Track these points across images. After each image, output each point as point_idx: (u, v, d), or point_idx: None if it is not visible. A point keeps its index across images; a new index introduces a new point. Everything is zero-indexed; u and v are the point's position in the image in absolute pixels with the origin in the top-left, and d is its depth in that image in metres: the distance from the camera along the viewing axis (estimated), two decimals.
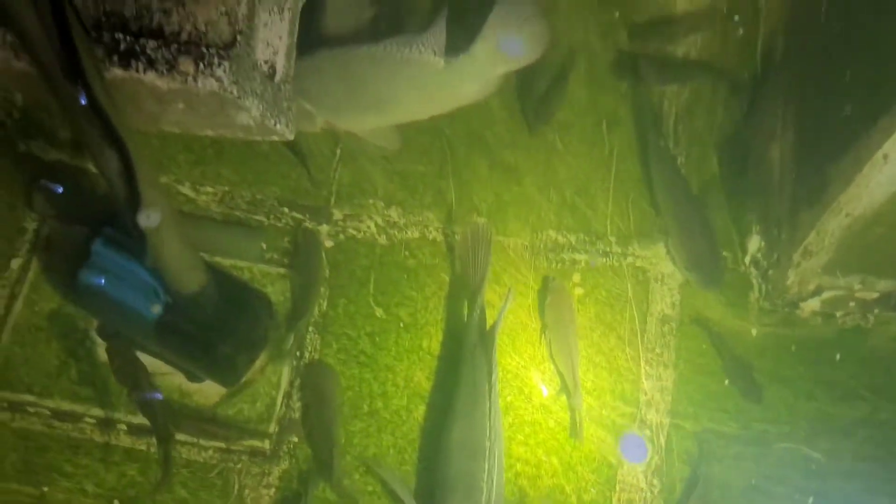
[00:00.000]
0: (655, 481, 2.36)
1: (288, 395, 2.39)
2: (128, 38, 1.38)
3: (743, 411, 2.41)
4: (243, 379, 2.32)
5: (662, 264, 2.59)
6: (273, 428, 2.32)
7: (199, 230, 2.49)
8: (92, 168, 2.39)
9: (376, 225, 2.60)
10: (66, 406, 2.32)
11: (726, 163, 2.68)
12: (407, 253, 2.58)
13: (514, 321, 2.48)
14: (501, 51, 2.25)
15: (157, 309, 2.04)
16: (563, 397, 2.39)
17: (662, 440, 2.38)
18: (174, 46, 1.38)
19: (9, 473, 2.25)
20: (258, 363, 2.37)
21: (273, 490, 2.28)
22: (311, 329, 2.46)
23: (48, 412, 2.31)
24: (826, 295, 2.44)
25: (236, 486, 2.28)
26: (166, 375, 2.33)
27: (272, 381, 2.40)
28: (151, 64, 1.37)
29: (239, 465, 2.30)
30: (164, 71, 1.36)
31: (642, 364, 2.45)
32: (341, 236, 2.58)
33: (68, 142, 2.46)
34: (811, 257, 2.35)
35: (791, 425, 2.41)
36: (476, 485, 2.10)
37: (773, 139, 2.64)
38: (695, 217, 2.54)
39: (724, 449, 2.39)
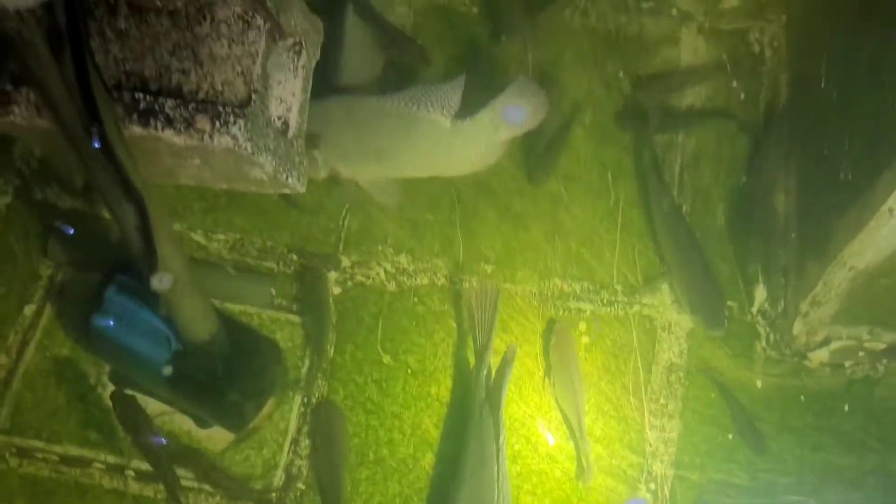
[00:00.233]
0: None
1: (295, 442, 2.40)
2: (147, 97, 1.42)
3: (751, 462, 2.40)
4: (251, 425, 2.33)
5: (669, 313, 2.60)
6: (280, 477, 2.32)
7: (210, 277, 2.52)
8: (106, 216, 2.44)
9: (385, 272, 2.63)
10: (75, 451, 2.33)
11: (732, 213, 2.70)
12: (416, 299, 2.60)
13: (521, 369, 2.49)
14: (503, 117, 2.30)
15: (168, 370, 2.08)
16: (570, 447, 2.39)
17: (667, 491, 2.37)
18: (192, 105, 1.42)
19: None
20: (266, 409, 2.38)
21: None
22: (318, 375, 2.47)
23: (56, 457, 2.32)
24: (834, 345, 2.44)
25: None
26: (175, 420, 2.34)
27: (280, 428, 2.40)
28: (169, 122, 1.41)
29: None
30: (182, 129, 1.41)
31: (646, 414, 2.45)
32: (349, 283, 2.61)
33: (84, 189, 2.51)
34: (818, 308, 2.36)
35: (799, 476, 2.40)
36: None
37: (776, 189, 2.67)
38: (698, 262, 2.56)
39: (731, 500, 2.37)
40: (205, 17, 1.51)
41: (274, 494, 2.31)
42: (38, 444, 2.32)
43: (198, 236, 2.62)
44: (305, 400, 2.44)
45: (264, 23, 1.52)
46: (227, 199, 2.60)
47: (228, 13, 1.52)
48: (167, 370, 2.02)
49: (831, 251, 2.15)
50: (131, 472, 2.31)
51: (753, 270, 2.64)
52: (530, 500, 2.35)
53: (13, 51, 1.18)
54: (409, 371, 2.49)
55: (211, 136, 1.42)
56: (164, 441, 2.21)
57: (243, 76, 1.48)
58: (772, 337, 2.56)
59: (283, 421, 2.41)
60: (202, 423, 2.33)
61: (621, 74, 2.87)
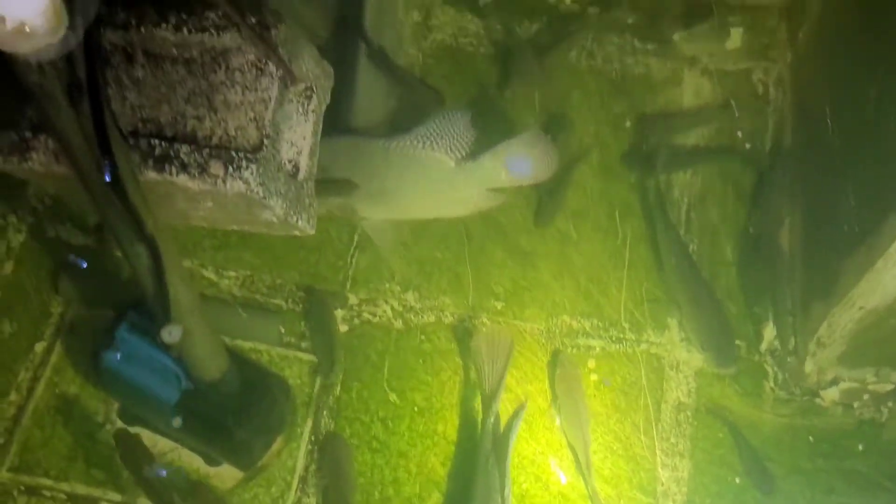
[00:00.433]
0: None
1: (303, 480, 2.39)
2: (163, 143, 1.45)
3: None
4: (260, 463, 2.34)
5: (677, 351, 2.60)
6: None
7: (220, 314, 2.54)
8: (117, 253, 2.46)
9: (392, 309, 2.64)
10: (83, 490, 2.34)
11: (738, 251, 2.72)
12: (423, 337, 2.61)
13: (532, 407, 2.49)
14: (509, 166, 2.33)
15: (178, 421, 2.09)
16: (581, 486, 2.37)
17: None
18: (206, 151, 1.45)
19: None
20: (274, 447, 2.38)
21: None
22: (324, 414, 2.47)
23: (64, 496, 2.33)
24: (843, 385, 2.43)
25: None
26: (184, 458, 2.34)
27: (288, 466, 2.40)
28: (184, 167, 1.44)
29: None
30: (196, 174, 1.43)
31: (658, 453, 2.43)
32: (356, 321, 2.62)
33: (96, 228, 2.54)
34: (824, 348, 2.36)
35: None
36: None
37: (782, 227, 2.68)
38: (706, 299, 2.57)
39: None
40: (220, 65, 1.54)
41: None
42: (47, 482, 2.33)
43: (209, 273, 2.64)
44: (313, 438, 2.43)
45: (277, 70, 1.55)
46: (238, 236, 2.63)
47: (243, 61, 1.55)
48: (177, 421, 2.03)
49: (837, 292, 2.15)
50: None
51: (761, 309, 2.64)
52: None
53: (33, 100, 1.21)
54: (416, 409, 2.49)
55: (224, 181, 1.44)
56: (170, 478, 2.21)
57: (256, 122, 1.51)
58: (780, 376, 2.55)
59: (291, 459, 2.41)
60: (211, 461, 2.33)
61: (627, 114, 2.89)
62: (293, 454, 2.41)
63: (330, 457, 2.39)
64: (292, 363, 2.55)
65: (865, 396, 2.43)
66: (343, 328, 2.60)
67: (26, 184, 2.55)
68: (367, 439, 2.46)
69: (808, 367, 2.47)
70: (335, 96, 1.79)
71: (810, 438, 2.47)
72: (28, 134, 1.49)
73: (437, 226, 2.68)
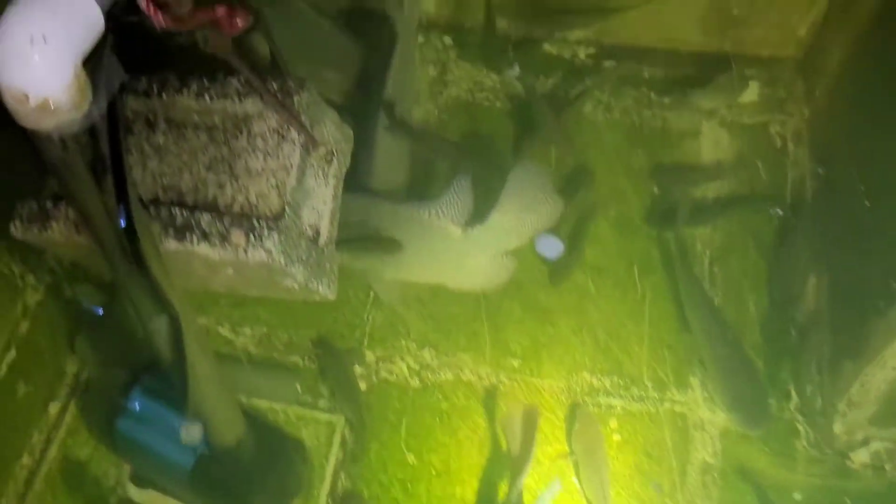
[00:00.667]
0: None
1: None
2: (184, 212, 1.44)
3: None
4: None
5: (701, 410, 2.54)
6: None
7: (236, 373, 2.51)
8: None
9: (409, 367, 2.60)
10: None
11: (763, 306, 2.67)
12: (440, 396, 2.56)
13: (550, 467, 2.43)
14: (515, 225, 2.32)
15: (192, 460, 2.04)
16: None
17: None
18: (227, 219, 1.44)
19: None
20: None
21: None
22: (342, 476, 2.42)
23: None
24: (874, 446, 2.36)
25: None
26: None
27: None
28: (205, 237, 1.42)
29: None
30: (217, 243, 1.42)
31: None
32: (374, 378, 2.58)
33: (112, 287, 2.52)
34: (856, 409, 2.29)
35: None
36: None
37: (806, 283, 2.64)
38: (735, 356, 2.51)
39: None
40: (241, 132, 1.54)
41: None
42: None
43: (225, 331, 2.62)
44: (331, 500, 2.38)
45: (299, 136, 1.54)
46: None
47: (264, 127, 1.55)
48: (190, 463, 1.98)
49: (868, 351, 2.10)
50: None
51: (789, 366, 2.58)
52: None
53: (55, 173, 1.20)
54: (434, 471, 2.44)
55: (245, 250, 1.43)
56: None
57: (277, 189, 1.49)
58: (811, 435, 2.48)
59: None
60: None
61: (646, 167, 2.88)
62: None
63: None
64: (309, 422, 2.51)
65: None
66: (361, 386, 2.56)
67: None
68: (385, 502, 2.39)
69: (838, 427, 2.40)
70: (354, 157, 1.78)
71: (847, 501, 2.38)
72: (49, 203, 1.48)
73: None
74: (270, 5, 2.40)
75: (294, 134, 1.55)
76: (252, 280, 1.58)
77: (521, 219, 2.38)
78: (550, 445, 2.46)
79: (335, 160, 1.68)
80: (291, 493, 2.30)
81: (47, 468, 2.37)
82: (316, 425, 2.50)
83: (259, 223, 1.44)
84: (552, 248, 2.46)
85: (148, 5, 1.23)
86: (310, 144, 1.57)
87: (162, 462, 2.12)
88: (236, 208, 1.48)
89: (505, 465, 2.39)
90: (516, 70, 2.83)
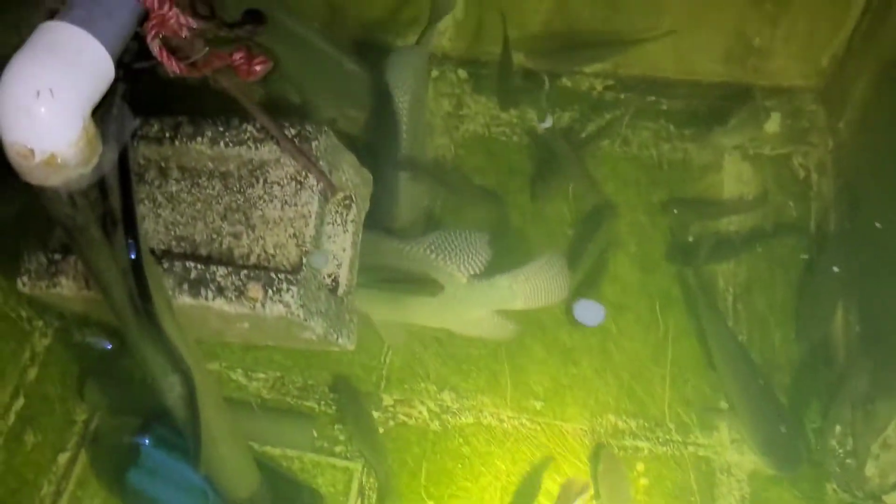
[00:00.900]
0: None
1: None
2: (198, 266, 1.38)
3: None
4: None
5: (727, 453, 2.45)
6: None
7: (249, 419, 2.44)
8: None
9: (428, 410, 2.53)
10: None
11: (790, 343, 2.59)
12: (461, 440, 2.49)
13: None
14: (519, 293, 2.27)
15: None
16: None
17: None
18: (243, 273, 1.38)
19: None
20: None
21: None
22: None
23: None
24: None
25: None
26: None
27: None
28: (221, 291, 1.36)
29: None
30: (233, 297, 1.36)
31: None
32: (391, 423, 2.51)
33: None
34: (890, 450, 2.21)
35: None
36: None
37: (834, 319, 2.56)
38: (763, 395, 2.43)
39: None
40: (257, 179, 1.48)
41: None
42: None
43: (237, 375, 2.55)
44: None
45: (317, 183, 1.48)
46: None
47: (282, 174, 1.49)
48: None
49: None
50: None
51: (818, 405, 2.49)
52: None
53: (63, 229, 1.14)
54: None
55: (263, 305, 1.36)
56: None
57: (296, 238, 1.43)
58: (842, 478, 2.39)
59: None
60: None
61: (666, 202, 2.82)
62: None
63: None
64: (325, 470, 2.43)
65: None
66: (379, 430, 2.48)
67: None
68: None
69: (870, 469, 2.31)
70: (376, 198, 1.73)
71: None
72: (57, 256, 1.42)
73: None
74: (287, 44, 2.39)
75: (312, 181, 1.50)
76: (269, 333, 1.52)
77: (532, 286, 2.32)
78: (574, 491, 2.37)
79: (354, 205, 1.62)
80: None
81: None
82: (333, 472, 2.43)
83: (277, 276, 1.38)
84: (592, 314, 2.40)
85: (161, 51, 1.18)
86: (328, 191, 1.51)
87: None
88: (253, 260, 1.42)
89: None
90: (549, 122, 2.77)
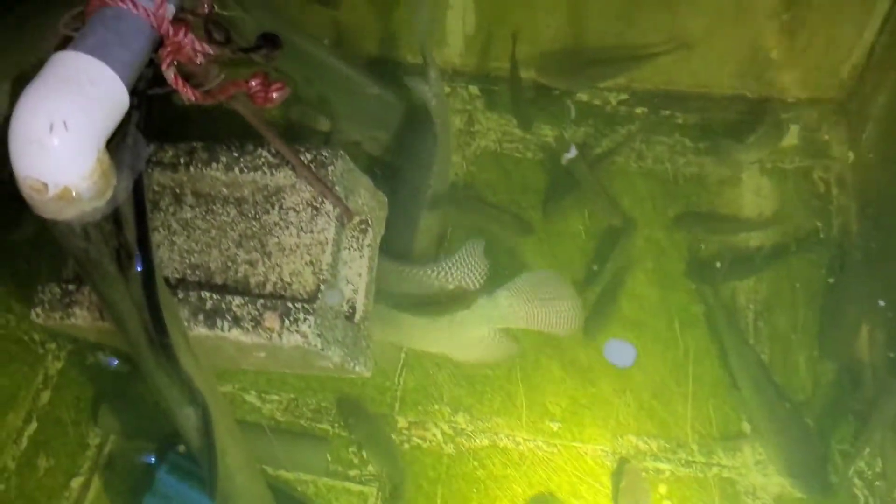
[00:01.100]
0: None
1: None
2: (213, 296, 1.35)
3: None
4: None
5: (752, 475, 2.40)
6: None
7: (263, 442, 2.40)
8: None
9: (443, 433, 2.49)
10: None
11: (813, 361, 2.54)
12: (476, 463, 2.44)
13: None
14: (518, 307, 2.22)
15: None
16: None
17: None
18: (259, 302, 1.35)
19: None
20: None
21: None
22: None
23: None
24: None
25: None
26: None
27: None
28: (237, 322, 1.33)
29: None
30: (250, 328, 1.32)
31: None
32: (406, 445, 2.47)
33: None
34: None
35: None
36: None
37: (858, 336, 2.51)
38: (790, 417, 2.38)
39: None
40: (273, 205, 1.45)
41: None
42: None
43: (251, 398, 2.52)
44: None
45: (334, 208, 1.45)
46: None
47: (297, 200, 1.46)
48: None
49: None
50: None
51: (844, 426, 2.44)
52: None
53: (77, 263, 1.12)
54: None
55: (280, 335, 1.33)
56: None
57: (312, 266, 1.40)
58: (871, 501, 2.33)
59: None
60: None
61: (683, 217, 2.77)
62: None
63: None
64: (340, 494, 2.39)
65: None
66: None
67: None
68: None
69: None
70: (395, 225, 1.70)
71: None
72: (71, 287, 1.39)
73: None
74: (305, 65, 2.37)
75: (328, 206, 1.47)
76: (285, 361, 1.49)
77: (529, 300, 2.28)
78: None
79: (370, 229, 1.59)
80: None
81: None
82: (348, 497, 2.39)
83: (294, 306, 1.35)
84: (623, 354, 2.36)
85: (176, 79, 1.15)
86: (345, 217, 1.48)
87: None
88: (269, 288, 1.38)
89: None
90: (573, 152, 2.73)
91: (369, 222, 1.59)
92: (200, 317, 1.35)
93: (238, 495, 1.64)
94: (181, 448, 2.02)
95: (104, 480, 2.36)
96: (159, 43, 1.14)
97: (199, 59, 1.16)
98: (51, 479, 2.33)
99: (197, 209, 1.48)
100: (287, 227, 1.45)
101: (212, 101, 1.18)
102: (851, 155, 2.77)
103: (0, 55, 2.41)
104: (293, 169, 1.43)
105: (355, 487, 2.40)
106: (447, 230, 2.62)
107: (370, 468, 2.44)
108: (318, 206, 1.47)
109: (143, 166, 1.11)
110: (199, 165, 1.48)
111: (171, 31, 1.12)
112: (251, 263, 1.41)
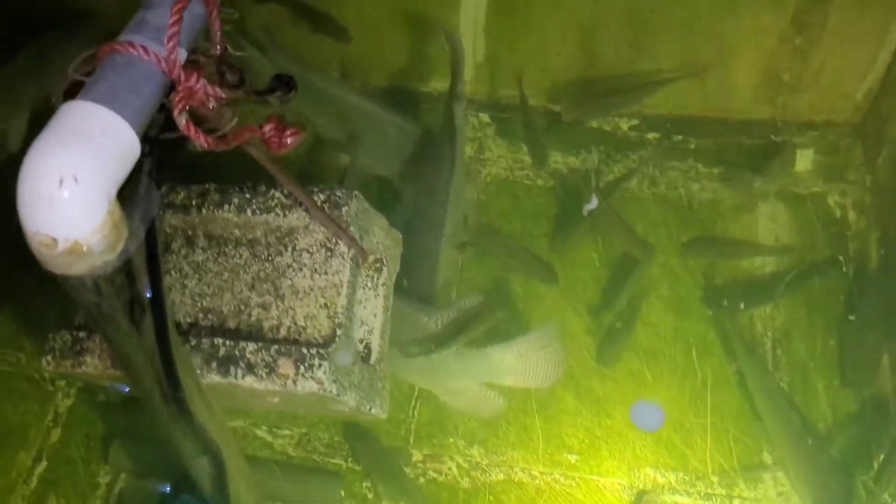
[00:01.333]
0: None
1: None
2: (226, 343, 1.32)
3: None
4: None
5: None
6: None
7: (274, 479, 2.36)
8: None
9: (458, 466, 2.45)
10: None
11: (834, 388, 2.49)
12: (492, 498, 2.40)
13: None
14: (510, 367, 2.21)
15: None
16: None
17: None
18: (273, 348, 1.32)
19: None
20: None
21: None
22: None
23: None
24: None
25: None
26: None
27: None
28: (250, 369, 1.31)
29: None
30: (263, 375, 1.30)
31: None
32: (421, 479, 2.43)
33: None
34: None
35: None
36: None
37: (880, 362, 2.47)
38: (814, 447, 2.33)
39: None
40: (286, 247, 1.43)
41: None
42: None
43: (262, 433, 2.48)
44: None
45: (348, 249, 1.43)
46: None
47: (311, 241, 1.44)
48: None
49: None
50: None
51: (867, 454, 2.39)
52: None
53: (88, 316, 1.09)
54: None
55: (294, 382, 1.30)
56: None
57: (327, 309, 1.38)
58: None
59: None
60: None
61: (697, 243, 2.74)
62: None
63: None
64: None
65: None
66: None
67: None
68: None
69: None
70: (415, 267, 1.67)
71: None
72: (82, 334, 1.37)
73: None
74: (323, 103, 2.37)
75: (343, 247, 1.44)
76: (299, 405, 1.46)
77: (524, 362, 2.26)
78: None
79: (385, 268, 1.57)
80: None
81: None
82: None
83: (309, 352, 1.32)
84: (650, 417, 2.33)
85: (188, 126, 1.13)
86: (360, 257, 1.45)
87: None
88: (283, 332, 1.36)
89: None
90: (594, 203, 2.70)
91: (384, 261, 1.56)
92: (213, 364, 1.32)
93: None
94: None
95: None
96: (171, 87, 1.12)
97: (212, 104, 1.14)
98: None
99: (209, 251, 1.45)
100: (300, 269, 1.43)
101: (225, 147, 1.16)
102: (868, 178, 2.73)
103: (16, 88, 2.41)
104: (307, 210, 1.40)
105: None
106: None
107: (384, 503, 2.40)
108: (333, 247, 1.44)
109: (156, 214, 1.08)
110: (212, 207, 1.46)
111: (182, 76, 1.10)
112: (264, 307, 1.38)
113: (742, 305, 2.59)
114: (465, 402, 2.32)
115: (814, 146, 2.83)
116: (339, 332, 1.38)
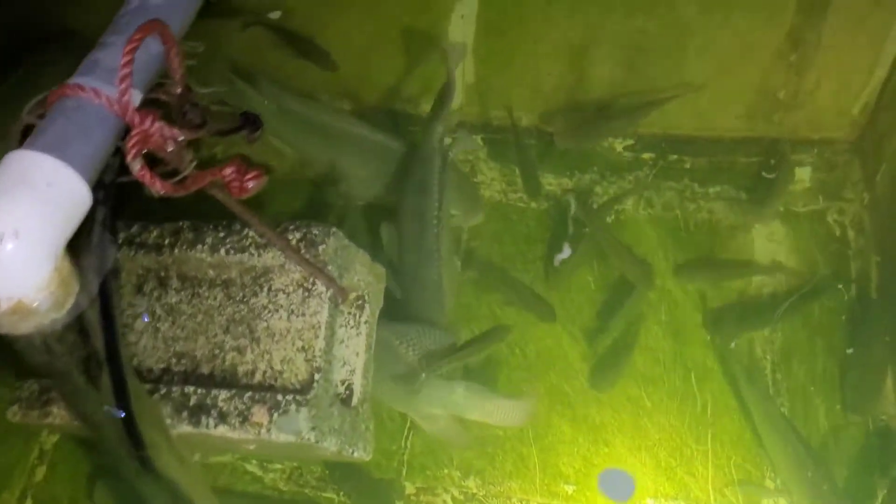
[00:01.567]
0: None
1: None
2: (198, 391, 1.27)
3: None
4: None
5: None
6: None
7: None
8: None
9: (453, 498, 2.39)
10: None
11: (835, 413, 2.43)
12: None
13: None
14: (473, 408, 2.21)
15: None
16: None
17: None
18: (247, 395, 1.26)
19: None
20: None
21: None
22: None
23: None
24: None
25: None
26: None
27: None
28: (223, 418, 1.25)
29: None
30: (237, 424, 1.24)
31: None
32: None
33: None
34: None
35: None
36: None
37: (884, 384, 2.41)
38: (817, 474, 2.27)
39: None
40: (261, 288, 1.38)
41: None
42: None
43: (252, 467, 2.41)
44: None
45: (326, 289, 1.38)
46: None
47: (287, 281, 1.39)
48: None
49: None
50: None
51: (871, 480, 2.33)
52: None
53: (43, 376, 1.04)
54: None
55: (269, 430, 1.25)
56: None
57: (304, 352, 1.33)
58: None
59: None
60: None
61: (695, 265, 2.69)
62: None
63: None
64: None
65: None
66: None
67: None
68: None
69: None
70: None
71: None
72: (49, 382, 1.32)
73: None
74: (314, 135, 2.33)
75: (321, 287, 1.39)
76: (278, 451, 1.40)
77: (488, 409, 2.22)
78: None
79: (367, 305, 1.51)
80: None
81: None
82: None
83: (285, 398, 1.27)
84: (620, 488, 2.28)
85: (143, 171, 1.07)
86: (339, 297, 1.40)
87: None
88: (258, 378, 1.31)
89: None
90: (567, 252, 2.67)
91: (366, 298, 1.51)
92: (184, 414, 1.27)
93: None
94: None
95: None
96: (126, 130, 1.07)
97: (171, 146, 1.08)
98: None
99: (182, 293, 1.40)
100: (277, 311, 1.38)
101: (184, 192, 1.11)
102: (867, 196, 2.68)
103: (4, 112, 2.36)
104: (281, 252, 1.35)
105: None
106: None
107: None
108: (310, 287, 1.39)
109: (110, 266, 1.03)
110: (185, 247, 1.41)
111: (137, 119, 1.04)
112: (239, 350, 1.33)
113: (740, 333, 2.53)
114: (436, 429, 2.28)
115: (811, 163, 2.78)
116: (317, 376, 1.32)
